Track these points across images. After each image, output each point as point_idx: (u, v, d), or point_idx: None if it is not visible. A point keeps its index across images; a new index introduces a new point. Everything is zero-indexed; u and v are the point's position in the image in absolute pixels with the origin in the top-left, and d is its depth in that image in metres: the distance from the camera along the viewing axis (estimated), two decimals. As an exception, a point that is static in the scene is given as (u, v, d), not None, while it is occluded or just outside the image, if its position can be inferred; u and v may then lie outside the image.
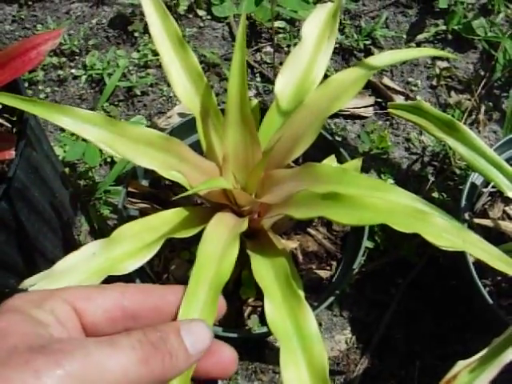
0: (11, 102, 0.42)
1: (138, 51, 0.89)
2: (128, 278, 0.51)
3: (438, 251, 0.38)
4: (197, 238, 0.44)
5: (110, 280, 0.38)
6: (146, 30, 0.91)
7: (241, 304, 0.57)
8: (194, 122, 0.52)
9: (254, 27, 0.93)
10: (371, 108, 0.85)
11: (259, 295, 0.56)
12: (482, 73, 0.88)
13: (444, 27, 0.92)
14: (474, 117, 0.85)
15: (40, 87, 0.86)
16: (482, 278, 0.60)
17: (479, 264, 0.57)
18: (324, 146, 0.61)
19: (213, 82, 0.87)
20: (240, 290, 0.57)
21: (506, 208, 0.65)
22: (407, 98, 0.86)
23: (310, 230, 0.62)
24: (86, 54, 0.89)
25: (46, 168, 0.63)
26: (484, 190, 0.66)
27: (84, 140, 0.74)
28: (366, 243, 0.59)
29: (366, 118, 0.85)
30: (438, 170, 0.79)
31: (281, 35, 0.91)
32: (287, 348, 0.38)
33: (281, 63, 0.54)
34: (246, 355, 0.66)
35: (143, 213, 0.59)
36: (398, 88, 0.87)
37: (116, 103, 0.85)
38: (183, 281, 0.57)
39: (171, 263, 0.59)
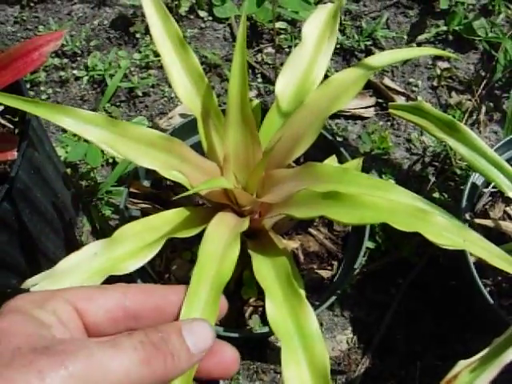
0: (13, 102, 0.42)
1: (140, 52, 0.90)
2: (129, 278, 0.51)
3: (438, 250, 0.38)
4: (198, 238, 0.44)
5: (111, 280, 0.38)
6: (147, 31, 0.91)
7: (242, 304, 0.58)
8: (196, 123, 0.52)
9: (255, 28, 0.93)
10: (372, 109, 0.86)
11: (261, 295, 0.56)
12: (483, 73, 0.88)
13: (445, 28, 0.92)
14: (474, 117, 0.85)
15: (42, 88, 0.87)
16: (483, 278, 0.60)
17: (480, 264, 0.57)
18: (325, 147, 0.61)
19: (214, 82, 0.87)
20: (241, 289, 0.57)
21: (507, 208, 0.65)
22: (408, 98, 0.86)
23: (311, 230, 0.62)
24: (88, 55, 0.89)
25: (48, 169, 0.63)
26: (485, 190, 0.66)
27: (86, 141, 0.74)
28: (367, 243, 0.59)
29: (366, 118, 0.85)
30: (438, 170, 0.80)
31: (282, 36, 0.91)
32: (288, 347, 0.38)
33: (282, 64, 0.54)
34: (247, 355, 0.67)
35: (145, 213, 0.59)
36: (399, 89, 0.87)
37: (117, 104, 0.85)
38: (185, 281, 0.57)
39: (173, 263, 0.59)
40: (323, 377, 0.36)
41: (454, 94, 0.87)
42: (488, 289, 0.60)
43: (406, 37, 0.93)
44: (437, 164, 0.80)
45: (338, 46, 0.90)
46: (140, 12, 0.93)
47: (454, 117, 0.82)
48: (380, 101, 0.86)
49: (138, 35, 0.91)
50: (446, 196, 0.76)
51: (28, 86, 0.86)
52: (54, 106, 0.43)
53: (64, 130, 0.82)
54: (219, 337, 0.29)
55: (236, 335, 0.53)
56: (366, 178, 0.41)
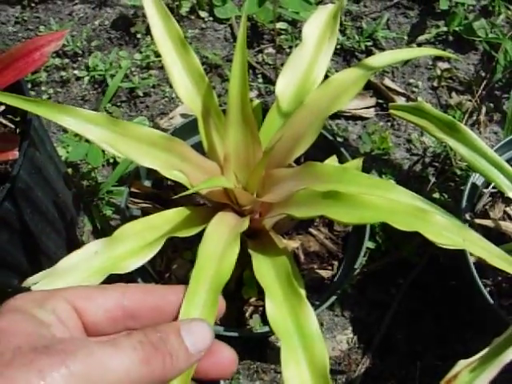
0: (15, 102, 0.42)
1: (141, 52, 0.90)
2: (130, 278, 0.51)
3: (438, 249, 0.38)
4: (199, 238, 0.44)
5: (112, 279, 0.38)
6: (148, 32, 0.91)
7: (243, 304, 0.58)
8: (196, 123, 0.52)
9: (255, 28, 0.93)
10: (372, 109, 0.86)
11: (261, 295, 0.56)
12: (483, 74, 0.88)
13: (445, 28, 0.92)
14: (474, 118, 0.85)
15: (43, 88, 0.87)
16: (483, 278, 0.60)
17: (480, 264, 0.57)
18: (325, 147, 0.61)
19: (215, 83, 0.88)
20: (242, 289, 0.57)
21: (507, 208, 0.65)
22: (408, 99, 0.86)
23: (311, 230, 0.62)
24: (89, 56, 0.90)
25: (49, 168, 0.63)
26: (485, 190, 0.66)
27: (87, 141, 0.74)
28: (368, 243, 0.60)
29: (367, 119, 0.85)
30: (438, 170, 0.80)
31: (282, 36, 0.91)
32: (288, 346, 0.38)
33: (282, 64, 0.54)
34: (247, 355, 0.67)
35: (145, 213, 0.60)
36: (399, 89, 0.87)
37: (118, 104, 0.86)
38: (185, 280, 0.57)
39: (173, 263, 0.59)
40: (323, 376, 0.36)
41: (454, 94, 0.87)
42: (488, 289, 0.60)
43: (406, 37, 0.93)
44: (437, 164, 0.80)
45: (339, 47, 0.90)
46: (141, 12, 0.93)
47: (454, 117, 0.82)
48: (380, 101, 0.86)
49: (138, 35, 0.92)
50: (446, 196, 0.76)
51: (29, 86, 0.86)
52: (55, 106, 0.43)
53: (65, 130, 0.82)
54: (219, 336, 0.29)
55: (236, 335, 0.53)
56: (365, 178, 0.41)
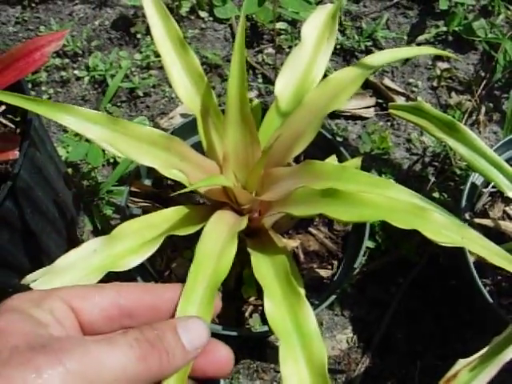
0: (16, 101, 0.42)
1: (141, 52, 0.90)
2: (130, 276, 0.51)
3: (437, 248, 0.38)
4: (199, 237, 0.44)
5: (111, 278, 0.38)
6: (148, 32, 0.91)
7: (242, 303, 0.58)
8: (196, 123, 0.52)
9: (255, 28, 0.93)
10: (372, 109, 0.86)
11: (261, 294, 0.56)
12: (483, 74, 0.88)
13: (444, 28, 0.92)
14: (474, 117, 0.85)
15: (43, 88, 0.87)
16: (483, 278, 0.60)
17: (480, 263, 0.57)
18: (325, 146, 0.61)
19: (215, 82, 0.88)
20: (242, 288, 0.57)
21: (506, 208, 0.65)
22: (408, 98, 0.86)
23: (311, 229, 0.62)
24: (89, 56, 0.90)
25: (49, 168, 0.63)
26: (484, 190, 0.66)
27: (87, 140, 0.74)
28: (367, 243, 0.60)
29: (366, 118, 0.85)
30: (438, 170, 0.80)
31: (282, 36, 0.91)
32: (287, 345, 0.38)
33: (282, 64, 0.54)
34: (247, 354, 0.67)
35: (145, 212, 0.60)
36: (399, 89, 0.87)
37: (118, 104, 0.86)
38: (185, 279, 0.57)
39: (173, 262, 0.59)
40: (321, 375, 0.36)
41: (453, 94, 0.87)
42: (487, 288, 0.60)
43: (405, 37, 0.93)
44: (436, 164, 0.80)
45: (339, 47, 0.91)
46: (141, 12, 0.94)
47: (453, 117, 0.82)
48: (380, 101, 0.86)
49: (138, 36, 0.92)
50: (446, 196, 0.76)
51: (29, 86, 0.87)
52: (55, 105, 0.44)
53: (65, 130, 0.82)
54: (218, 335, 0.29)
55: (236, 334, 0.53)
56: (364, 176, 0.41)
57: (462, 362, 0.43)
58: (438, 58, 0.91)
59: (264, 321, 0.56)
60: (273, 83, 0.85)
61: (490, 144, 0.81)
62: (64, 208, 0.68)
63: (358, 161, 0.58)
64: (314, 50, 0.54)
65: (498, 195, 0.66)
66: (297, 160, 0.60)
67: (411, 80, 0.88)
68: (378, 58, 0.52)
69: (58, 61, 0.89)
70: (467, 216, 0.63)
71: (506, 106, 0.83)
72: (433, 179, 0.79)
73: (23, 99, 0.42)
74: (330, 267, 0.61)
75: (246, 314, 0.57)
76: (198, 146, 0.54)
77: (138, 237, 0.43)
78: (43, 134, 0.63)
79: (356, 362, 0.67)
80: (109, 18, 0.95)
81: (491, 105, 0.86)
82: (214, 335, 0.30)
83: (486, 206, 0.65)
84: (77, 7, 0.96)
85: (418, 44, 0.92)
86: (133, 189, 0.61)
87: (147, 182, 0.63)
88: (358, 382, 0.65)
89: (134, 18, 0.94)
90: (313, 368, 0.37)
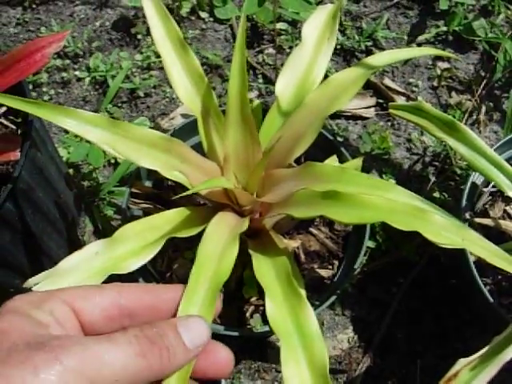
0: (16, 104, 0.42)
1: (141, 53, 0.90)
2: (131, 278, 0.51)
3: (438, 249, 0.38)
4: (200, 238, 0.44)
5: (112, 279, 0.38)
6: (148, 33, 0.91)
7: (243, 303, 0.58)
8: (196, 124, 0.52)
9: (256, 29, 0.93)
10: (372, 109, 0.86)
11: (262, 295, 0.57)
12: (483, 73, 0.88)
13: (445, 28, 0.92)
14: (474, 117, 0.85)
15: (44, 89, 0.87)
16: (483, 277, 0.60)
17: (480, 263, 0.57)
18: (326, 147, 0.61)
19: (215, 83, 0.88)
20: (243, 289, 0.57)
21: (507, 207, 0.65)
22: (408, 98, 0.87)
23: (312, 229, 0.62)
24: (90, 56, 0.90)
25: (50, 169, 0.63)
26: (485, 189, 0.66)
27: (88, 141, 0.74)
28: (368, 243, 0.60)
29: (367, 118, 0.85)
30: (438, 170, 0.80)
31: (283, 37, 0.91)
32: (288, 346, 0.38)
33: (283, 64, 0.54)
34: (248, 354, 0.67)
35: (146, 213, 0.60)
36: (399, 89, 0.87)
37: (119, 105, 0.86)
38: (186, 280, 0.57)
39: (174, 263, 0.59)
40: (323, 376, 0.37)
41: (454, 94, 0.87)
42: (488, 287, 0.60)
43: (406, 37, 0.93)
44: (437, 164, 0.80)
45: (339, 47, 0.91)
46: (141, 13, 0.94)
47: (454, 117, 0.82)
48: (380, 101, 0.86)
49: (139, 36, 0.92)
50: (446, 195, 0.76)
51: (30, 87, 0.87)
52: (55, 107, 0.44)
53: (66, 131, 0.82)
54: (220, 335, 0.30)
55: (237, 334, 0.54)
56: (364, 178, 0.41)
57: (462, 362, 0.43)
58: (438, 57, 0.91)
59: (265, 321, 0.56)
60: (273, 83, 0.85)
61: (490, 143, 0.82)
62: (65, 209, 0.68)
63: (358, 161, 0.58)
64: (315, 50, 0.54)
65: (499, 195, 0.66)
66: (297, 160, 0.60)
67: (411, 80, 0.88)
68: (378, 59, 0.52)
69: (58, 62, 0.89)
70: (467, 215, 0.63)
71: (506, 106, 0.83)
72: (433, 179, 0.79)
73: (24, 102, 0.42)
74: (330, 267, 0.61)
75: (247, 315, 0.57)
76: (198, 147, 0.54)
77: (139, 239, 0.43)
78: (44, 135, 0.63)
79: (357, 362, 0.67)
80: (109, 19, 0.95)
81: (491, 104, 0.86)
82: (215, 336, 0.30)
83: (487, 206, 0.65)
84: (77, 8, 0.96)
85: (419, 44, 0.92)
86: (134, 190, 0.61)
87: (148, 183, 0.64)
88: (359, 382, 0.66)
89: (134, 19, 0.94)
90: (314, 369, 0.37)
